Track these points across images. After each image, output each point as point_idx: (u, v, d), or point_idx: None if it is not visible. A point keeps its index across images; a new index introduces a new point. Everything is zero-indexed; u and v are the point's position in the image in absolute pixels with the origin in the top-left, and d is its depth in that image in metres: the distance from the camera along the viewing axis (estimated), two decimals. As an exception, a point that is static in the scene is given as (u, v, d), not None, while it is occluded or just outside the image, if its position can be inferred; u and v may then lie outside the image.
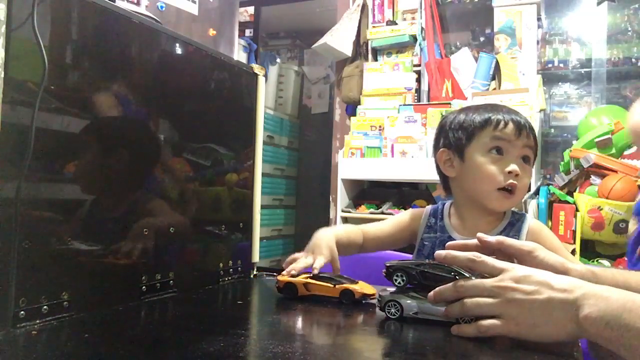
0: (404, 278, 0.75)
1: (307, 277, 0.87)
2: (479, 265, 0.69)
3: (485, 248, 0.77)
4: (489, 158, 0.97)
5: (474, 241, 0.78)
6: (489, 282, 0.67)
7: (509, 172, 0.95)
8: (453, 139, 1.02)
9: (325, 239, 0.97)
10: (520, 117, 1.00)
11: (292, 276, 0.87)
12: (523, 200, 2.19)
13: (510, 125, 0.97)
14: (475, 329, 0.65)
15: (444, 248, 0.99)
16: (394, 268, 0.75)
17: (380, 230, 1.10)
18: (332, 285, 0.84)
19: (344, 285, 0.84)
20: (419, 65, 2.75)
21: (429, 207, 1.10)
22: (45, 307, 0.67)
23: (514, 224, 1.01)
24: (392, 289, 0.76)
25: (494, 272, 0.68)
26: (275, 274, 1.14)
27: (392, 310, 0.73)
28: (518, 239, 0.97)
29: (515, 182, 0.96)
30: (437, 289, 0.71)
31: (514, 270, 0.67)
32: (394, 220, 1.12)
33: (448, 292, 0.70)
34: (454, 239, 1.00)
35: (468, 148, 1.00)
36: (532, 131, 1.00)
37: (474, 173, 0.98)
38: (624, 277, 0.79)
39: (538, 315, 0.63)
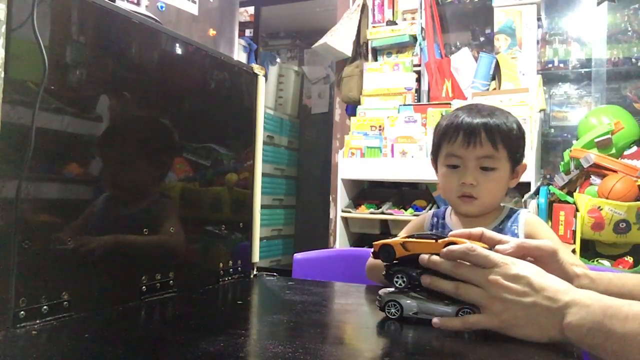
0: (404, 279, 0.74)
1: (404, 237, 0.76)
2: (475, 258, 0.68)
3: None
4: (446, 171, 1.04)
5: (479, 229, 0.76)
6: (481, 272, 0.67)
7: (463, 183, 1.00)
8: (432, 149, 1.11)
9: None
10: (476, 123, 0.98)
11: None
12: (523, 200, 2.19)
13: (460, 138, 0.99)
14: (461, 322, 0.66)
15: None
16: (394, 270, 0.75)
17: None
18: (433, 241, 0.73)
19: (449, 239, 0.73)
20: (419, 65, 2.75)
21: (433, 210, 1.16)
22: (45, 307, 0.67)
23: (510, 216, 1.05)
24: (392, 289, 0.76)
25: (487, 266, 0.67)
26: (275, 274, 1.14)
27: (392, 310, 0.73)
28: (517, 229, 1.00)
29: (470, 192, 1.00)
30: (434, 258, 0.70)
31: (507, 267, 0.66)
32: (406, 230, 1.14)
33: (443, 266, 0.69)
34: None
35: (438, 160, 1.07)
36: (495, 135, 0.98)
37: (440, 182, 1.07)
38: (621, 281, 0.79)
39: (521, 317, 0.63)
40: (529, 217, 1.04)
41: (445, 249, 0.70)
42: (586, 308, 0.60)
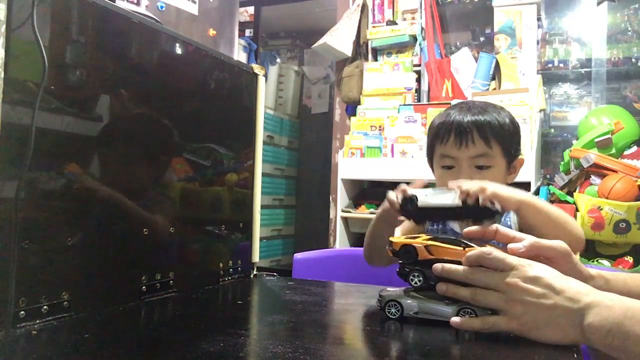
0: (420, 278, 0.73)
1: (428, 239, 0.75)
2: (491, 262, 0.67)
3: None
4: (441, 172, 1.03)
5: (493, 227, 0.75)
6: (499, 276, 0.66)
7: None
8: (426, 150, 1.10)
9: None
10: (467, 121, 0.97)
11: (411, 238, 0.76)
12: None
13: (452, 139, 0.98)
14: (480, 323, 0.66)
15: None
16: (411, 267, 0.74)
17: (407, 229, 1.13)
18: (461, 248, 0.72)
19: (476, 248, 0.72)
20: (419, 65, 2.75)
21: None
22: (45, 307, 0.67)
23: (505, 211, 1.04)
24: (392, 289, 0.76)
25: (505, 269, 0.67)
26: (275, 274, 1.14)
27: (393, 310, 0.73)
28: (510, 221, 0.99)
29: None
30: (448, 266, 0.70)
31: (524, 269, 0.66)
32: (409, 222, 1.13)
33: (458, 274, 0.69)
34: (455, 232, 1.02)
35: (433, 160, 1.07)
36: (487, 133, 0.97)
37: (437, 183, 1.06)
38: (635, 283, 0.78)
39: (541, 319, 0.63)
40: None
41: (462, 259, 0.70)
42: (607, 309, 0.60)
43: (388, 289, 0.77)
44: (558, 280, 0.65)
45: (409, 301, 0.72)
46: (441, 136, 1.00)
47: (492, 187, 0.81)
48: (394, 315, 0.73)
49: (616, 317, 0.59)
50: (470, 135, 0.97)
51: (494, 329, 0.65)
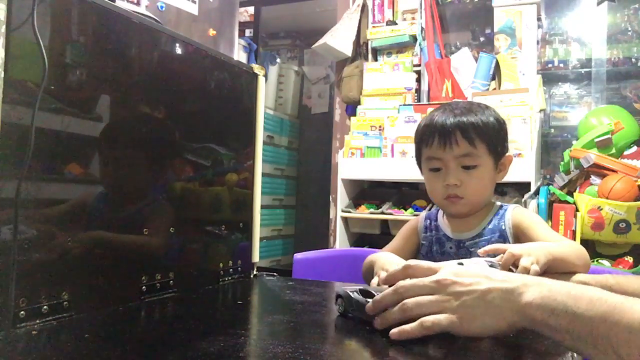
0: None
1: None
2: (414, 270, 0.69)
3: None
4: (430, 174, 1.03)
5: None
6: (428, 279, 0.65)
7: (447, 185, 0.99)
8: (415, 154, 1.10)
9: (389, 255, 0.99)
10: (449, 122, 0.98)
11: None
12: (523, 200, 2.19)
13: (436, 141, 0.99)
14: (419, 326, 0.62)
15: (440, 245, 1.04)
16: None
17: (395, 247, 1.11)
18: None
19: None
20: (419, 65, 2.75)
21: (425, 212, 1.15)
22: (45, 307, 0.67)
23: (498, 213, 1.04)
24: (349, 286, 0.80)
25: (429, 273, 0.67)
26: (275, 274, 1.14)
27: (339, 307, 0.76)
28: (504, 225, 1.01)
29: (455, 192, 0.99)
30: (375, 297, 0.68)
31: (450, 267, 0.67)
32: (401, 234, 1.14)
33: (387, 298, 0.67)
34: (448, 236, 1.05)
35: (421, 163, 1.07)
36: (470, 132, 0.97)
37: (426, 186, 1.06)
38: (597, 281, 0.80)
39: (478, 306, 0.62)
40: (514, 212, 1.03)
41: (382, 278, 0.72)
42: (547, 289, 0.59)
43: (346, 286, 0.81)
44: (485, 269, 0.67)
45: (350, 299, 0.74)
46: (426, 139, 1.01)
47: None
48: (340, 311, 0.76)
49: (559, 296, 0.57)
50: (453, 135, 0.97)
51: (434, 329, 0.62)
